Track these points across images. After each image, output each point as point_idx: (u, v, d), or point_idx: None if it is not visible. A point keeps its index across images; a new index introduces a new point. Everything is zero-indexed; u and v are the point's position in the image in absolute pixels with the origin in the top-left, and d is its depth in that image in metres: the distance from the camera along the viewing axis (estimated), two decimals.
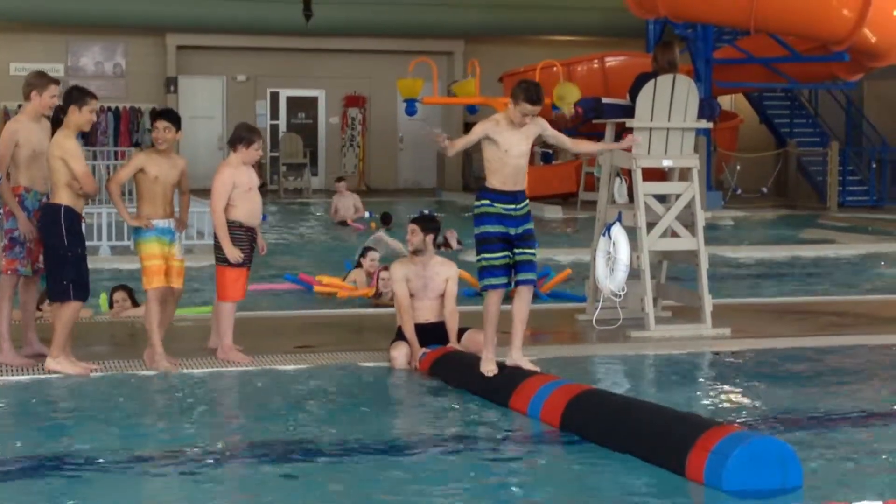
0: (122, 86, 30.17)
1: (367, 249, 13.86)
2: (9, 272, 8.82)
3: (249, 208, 9.16)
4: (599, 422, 6.92)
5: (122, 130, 30.40)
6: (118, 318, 10.93)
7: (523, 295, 8.17)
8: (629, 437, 6.59)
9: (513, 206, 8.13)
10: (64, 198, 8.57)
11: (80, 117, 8.65)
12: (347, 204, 21.78)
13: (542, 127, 8.30)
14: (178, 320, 10.82)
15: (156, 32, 30.47)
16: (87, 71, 30.43)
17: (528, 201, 8.26)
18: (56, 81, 8.98)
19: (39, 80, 8.88)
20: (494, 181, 8.13)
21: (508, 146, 8.07)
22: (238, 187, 9.10)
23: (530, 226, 8.24)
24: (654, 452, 6.35)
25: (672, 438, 6.29)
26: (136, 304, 11.12)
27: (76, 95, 8.70)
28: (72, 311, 8.60)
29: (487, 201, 8.14)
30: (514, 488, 6.07)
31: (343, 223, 21.31)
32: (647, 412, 6.82)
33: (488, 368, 8.06)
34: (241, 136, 9.24)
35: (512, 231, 8.11)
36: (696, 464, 5.99)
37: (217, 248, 9.08)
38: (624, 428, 6.70)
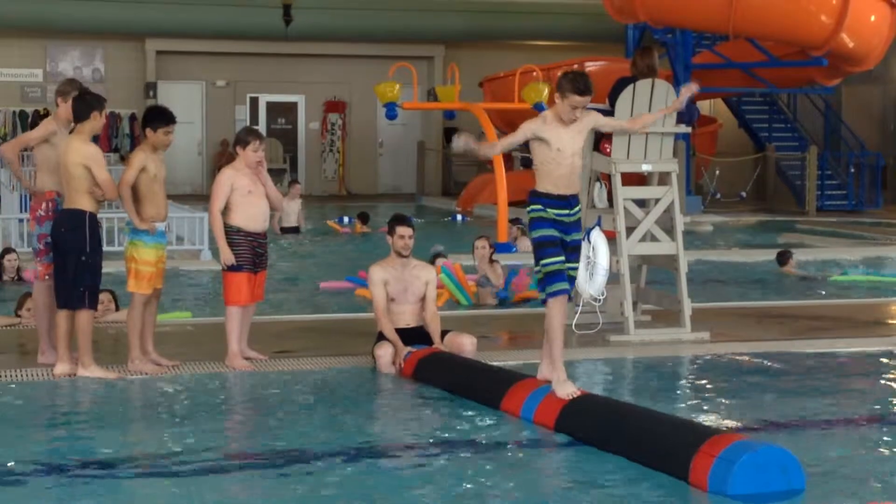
0: (101, 91, 29.77)
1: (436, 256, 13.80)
2: (46, 277, 8.85)
3: (249, 213, 9.06)
4: (599, 427, 6.90)
5: (102, 136, 30.26)
6: (100, 320, 10.87)
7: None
8: (630, 442, 6.59)
9: (566, 212, 7.56)
10: (86, 204, 8.56)
11: (96, 123, 8.68)
12: (294, 209, 20.62)
13: (595, 120, 7.78)
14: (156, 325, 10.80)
15: (135, 37, 30.40)
16: (65, 76, 30.28)
17: (580, 207, 7.74)
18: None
19: (65, 87, 9.02)
20: (546, 184, 7.52)
21: (560, 144, 7.46)
22: (237, 190, 9.04)
23: (578, 236, 7.75)
24: (656, 458, 6.35)
25: (675, 445, 6.30)
26: (118, 307, 11.08)
27: (95, 101, 8.70)
28: (89, 320, 8.63)
29: (539, 206, 7.54)
30: (509, 492, 6.03)
31: (291, 230, 20.50)
32: (648, 418, 6.81)
33: (567, 392, 7.29)
34: (237, 138, 9.26)
35: (566, 238, 7.58)
36: (701, 470, 6.02)
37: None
38: (625, 433, 6.69)
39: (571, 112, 7.43)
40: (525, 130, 7.52)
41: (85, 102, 8.67)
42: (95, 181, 8.53)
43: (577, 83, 7.39)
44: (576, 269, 7.72)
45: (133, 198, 8.81)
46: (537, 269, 7.62)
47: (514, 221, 17.33)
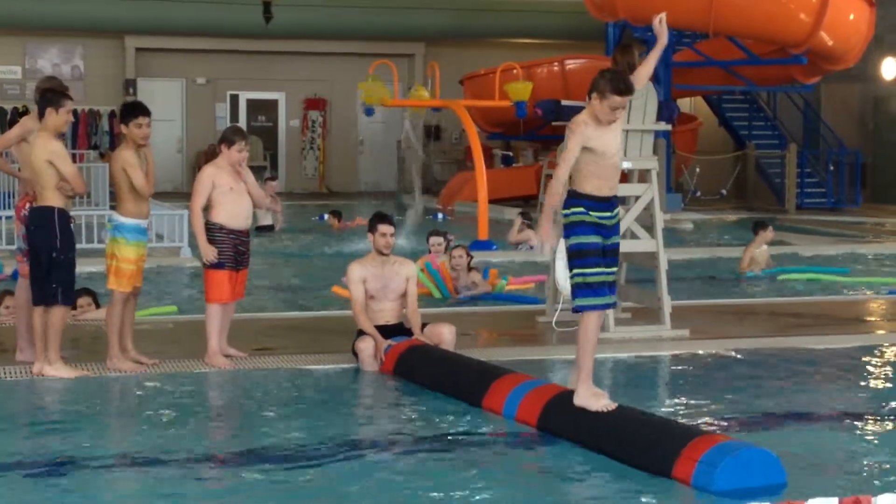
0: (81, 88, 29.95)
1: (430, 235, 13.75)
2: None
3: (231, 210, 9.07)
4: (581, 427, 6.87)
5: (81, 133, 30.21)
6: (79, 319, 10.83)
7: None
8: (612, 444, 6.59)
9: (608, 215, 7.06)
10: (54, 200, 8.54)
11: (57, 119, 8.61)
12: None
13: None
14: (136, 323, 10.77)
15: (114, 35, 30.30)
16: (44, 73, 30.18)
17: (619, 208, 7.30)
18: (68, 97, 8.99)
19: (45, 85, 9.00)
20: (588, 186, 7.00)
21: (604, 148, 6.98)
22: (218, 187, 9.04)
23: (618, 239, 7.20)
24: (638, 461, 6.36)
25: (657, 449, 6.30)
26: (98, 306, 11.03)
27: (52, 97, 8.66)
28: (61, 317, 8.60)
29: (582, 209, 7.00)
30: (491, 491, 6.01)
31: (268, 228, 20.18)
32: (631, 419, 6.79)
33: (602, 404, 6.87)
34: (223, 136, 9.30)
35: (605, 242, 7.08)
36: (684, 475, 6.04)
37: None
38: (606, 434, 6.68)
39: (611, 113, 6.98)
40: (576, 147, 6.95)
41: (45, 100, 8.63)
42: (62, 177, 8.51)
43: (617, 83, 6.94)
44: (613, 273, 7.21)
45: (116, 195, 8.85)
46: (572, 275, 7.12)
47: (523, 215, 17.24)
